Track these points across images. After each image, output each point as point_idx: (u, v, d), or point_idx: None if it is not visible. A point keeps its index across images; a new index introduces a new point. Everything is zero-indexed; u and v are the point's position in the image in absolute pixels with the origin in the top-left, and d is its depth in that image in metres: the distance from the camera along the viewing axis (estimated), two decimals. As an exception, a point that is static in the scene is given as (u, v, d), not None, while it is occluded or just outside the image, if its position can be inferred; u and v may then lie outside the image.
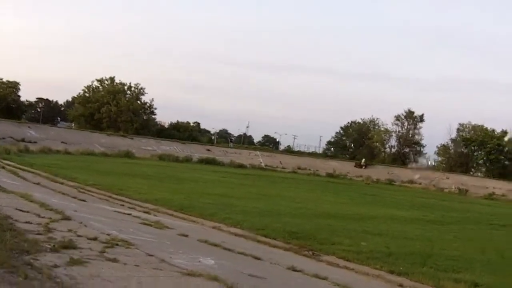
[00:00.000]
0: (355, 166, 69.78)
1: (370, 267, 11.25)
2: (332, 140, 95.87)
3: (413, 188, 58.71)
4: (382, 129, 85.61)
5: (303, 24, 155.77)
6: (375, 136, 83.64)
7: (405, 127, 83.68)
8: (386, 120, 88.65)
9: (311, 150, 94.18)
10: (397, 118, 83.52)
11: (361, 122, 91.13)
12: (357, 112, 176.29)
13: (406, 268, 11.37)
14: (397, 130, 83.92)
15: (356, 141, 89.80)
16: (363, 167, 69.52)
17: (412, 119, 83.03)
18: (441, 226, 21.84)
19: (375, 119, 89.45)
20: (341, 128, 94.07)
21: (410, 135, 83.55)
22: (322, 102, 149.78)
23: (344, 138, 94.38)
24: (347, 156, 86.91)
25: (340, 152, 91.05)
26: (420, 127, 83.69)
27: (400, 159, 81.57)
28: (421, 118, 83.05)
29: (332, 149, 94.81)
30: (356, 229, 17.08)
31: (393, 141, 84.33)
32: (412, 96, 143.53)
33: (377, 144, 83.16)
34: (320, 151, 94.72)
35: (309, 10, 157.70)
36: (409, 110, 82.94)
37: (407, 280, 10.44)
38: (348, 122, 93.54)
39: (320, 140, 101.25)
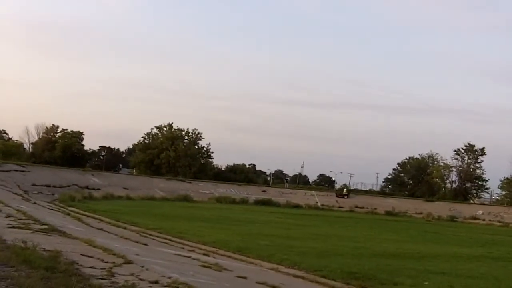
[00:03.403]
0: (336, 196, 68.40)
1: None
2: (390, 177, 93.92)
3: (477, 224, 56.28)
4: (442, 164, 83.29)
5: (357, 61, 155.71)
6: (434, 171, 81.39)
7: (466, 162, 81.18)
8: (446, 154, 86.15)
9: (368, 188, 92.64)
10: (457, 152, 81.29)
11: (419, 158, 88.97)
12: (415, 148, 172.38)
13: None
14: (457, 164, 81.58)
15: (415, 178, 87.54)
16: (345, 197, 68.19)
17: (472, 153, 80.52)
18: (508, 263, 20.85)
19: (434, 154, 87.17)
20: (398, 164, 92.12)
21: (471, 170, 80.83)
22: (378, 139, 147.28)
23: (402, 174, 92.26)
24: (406, 193, 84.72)
25: (398, 189, 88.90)
26: (481, 161, 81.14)
27: (462, 194, 78.79)
28: (482, 152, 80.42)
29: (389, 186, 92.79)
30: (418, 268, 16.59)
31: (453, 176, 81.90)
32: (472, 129, 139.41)
33: (437, 179, 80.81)
34: (377, 188, 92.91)
35: (362, 46, 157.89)
36: (469, 144, 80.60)
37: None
38: (406, 158, 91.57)
39: (377, 177, 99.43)
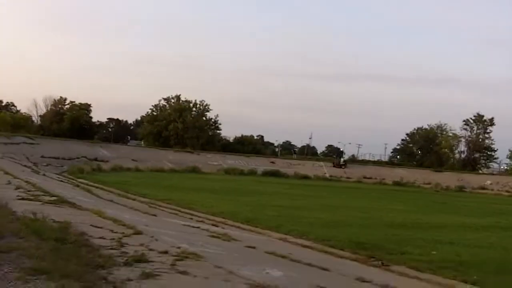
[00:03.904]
0: (333, 166, 68.00)
1: (442, 276, 10.91)
2: (398, 147, 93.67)
3: (485, 194, 56.25)
4: (450, 134, 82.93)
5: (362, 32, 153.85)
6: (443, 142, 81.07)
7: (475, 132, 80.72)
8: (454, 125, 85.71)
9: (376, 158, 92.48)
10: (466, 122, 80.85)
11: (428, 128, 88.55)
12: (423, 118, 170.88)
13: (480, 277, 10.95)
14: (466, 135, 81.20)
15: (423, 148, 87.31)
16: (343, 167, 67.94)
17: (481, 123, 80.00)
18: (516, 233, 20.80)
19: (443, 125, 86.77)
20: (407, 135, 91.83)
21: (480, 140, 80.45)
22: (386, 109, 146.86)
23: (410, 145, 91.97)
24: (414, 163, 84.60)
25: (407, 160, 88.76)
26: (490, 131, 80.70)
27: (470, 164, 78.64)
28: (491, 122, 79.91)
29: (398, 156, 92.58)
30: (426, 238, 16.61)
31: (462, 147, 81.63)
32: (480, 99, 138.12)
33: (446, 150, 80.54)
34: (385, 159, 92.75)
35: (367, 17, 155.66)
36: (478, 114, 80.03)
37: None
38: (414, 129, 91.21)
39: (386, 148, 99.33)
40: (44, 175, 33.40)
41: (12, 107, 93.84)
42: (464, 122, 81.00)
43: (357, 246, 13.90)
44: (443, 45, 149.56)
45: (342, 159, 73.30)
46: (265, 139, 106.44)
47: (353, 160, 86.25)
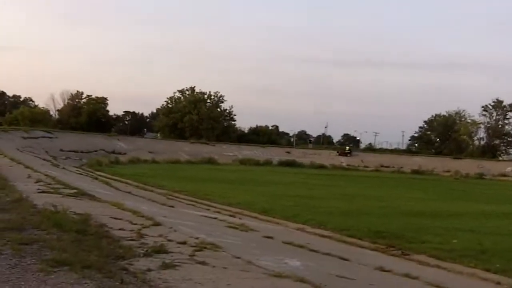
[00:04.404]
0: (339, 154, 67.67)
1: (463, 265, 10.80)
2: (416, 135, 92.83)
3: (506, 182, 55.40)
4: (469, 121, 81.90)
5: (379, 18, 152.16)
6: (461, 128, 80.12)
7: (494, 118, 79.62)
8: (473, 111, 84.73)
9: (393, 146, 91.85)
10: (485, 108, 79.76)
11: (446, 115, 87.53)
12: (441, 105, 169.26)
13: (503, 265, 10.81)
14: (485, 121, 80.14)
15: (442, 135, 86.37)
16: (348, 155, 67.50)
17: (501, 109, 78.92)
18: (539, 220, 20.49)
19: (461, 111, 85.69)
20: (425, 122, 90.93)
21: (500, 126, 79.34)
22: (403, 97, 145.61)
23: (428, 132, 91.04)
24: (433, 151, 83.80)
25: (425, 147, 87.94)
26: (510, 117, 79.52)
27: (490, 151, 77.62)
28: (511, 108, 78.71)
29: (416, 144, 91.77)
30: (446, 226, 16.45)
31: (481, 133, 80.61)
32: (500, 84, 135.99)
33: (465, 137, 79.65)
34: (403, 147, 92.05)
35: (385, 4, 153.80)
36: (497, 100, 78.90)
37: (505, 278, 9.91)
38: (432, 116, 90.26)
39: (403, 135, 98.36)
40: (63, 168, 33.70)
41: (30, 102, 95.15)
42: (483, 108, 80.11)
43: (376, 235, 13.82)
44: (459, 31, 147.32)
45: (347, 148, 73.17)
46: (280, 129, 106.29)
47: (370, 148, 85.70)
